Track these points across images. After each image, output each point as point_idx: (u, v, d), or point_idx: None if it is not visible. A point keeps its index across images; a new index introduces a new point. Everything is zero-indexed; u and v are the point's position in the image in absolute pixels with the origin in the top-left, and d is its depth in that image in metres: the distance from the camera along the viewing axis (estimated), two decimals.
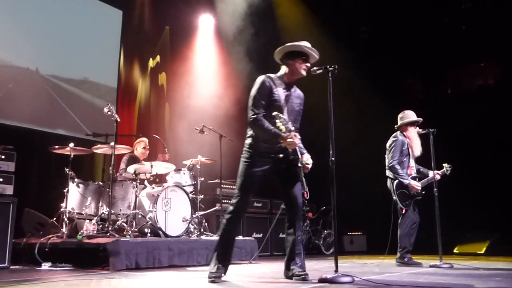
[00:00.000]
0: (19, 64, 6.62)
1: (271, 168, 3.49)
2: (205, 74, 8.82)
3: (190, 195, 5.75)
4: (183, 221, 5.50)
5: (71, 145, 5.19)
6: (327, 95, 3.45)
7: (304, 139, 3.54)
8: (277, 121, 3.29)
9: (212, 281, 3.28)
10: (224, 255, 3.41)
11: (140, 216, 5.27)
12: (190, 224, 5.59)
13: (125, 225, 5.09)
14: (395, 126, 5.46)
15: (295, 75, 3.58)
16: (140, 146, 6.38)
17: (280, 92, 3.49)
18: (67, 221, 4.99)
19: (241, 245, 5.68)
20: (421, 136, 5.30)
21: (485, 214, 7.68)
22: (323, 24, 8.69)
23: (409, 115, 5.39)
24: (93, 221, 5.00)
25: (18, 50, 6.60)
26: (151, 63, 8.80)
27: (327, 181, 3.37)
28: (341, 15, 9.17)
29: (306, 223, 7.83)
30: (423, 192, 5.21)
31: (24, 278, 3.65)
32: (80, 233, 4.84)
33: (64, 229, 4.92)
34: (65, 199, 5.10)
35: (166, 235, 5.19)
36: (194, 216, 5.70)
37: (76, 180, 5.27)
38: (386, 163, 5.38)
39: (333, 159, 3.38)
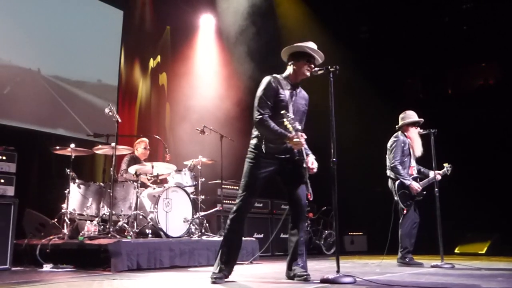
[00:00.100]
0: (20, 64, 6.62)
1: (276, 169, 3.50)
2: (206, 74, 8.83)
3: (191, 196, 5.75)
4: (184, 221, 5.50)
5: (72, 145, 5.18)
6: (328, 95, 3.45)
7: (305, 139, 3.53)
8: (285, 119, 3.30)
9: (214, 282, 3.28)
10: (228, 256, 3.39)
11: (141, 217, 5.27)
12: (191, 225, 5.59)
13: (126, 226, 5.09)
14: (396, 126, 5.47)
15: (299, 75, 3.58)
16: (141, 147, 6.37)
17: (286, 93, 3.50)
18: (68, 222, 4.99)
19: (242, 246, 5.65)
20: (421, 136, 5.31)
21: (486, 214, 7.68)
22: (323, 24, 8.69)
23: (411, 115, 5.40)
24: (94, 222, 5.00)
25: (19, 50, 6.60)
26: (152, 63, 8.81)
27: (328, 181, 3.38)
28: (342, 15, 9.17)
29: (307, 224, 7.83)
30: (424, 193, 5.22)
31: (25, 280, 3.64)
32: (81, 234, 4.83)
33: (65, 230, 4.92)
34: (66, 200, 5.10)
35: (167, 236, 5.19)
36: (195, 216, 5.70)
37: (77, 181, 5.26)
38: (387, 163, 5.38)
39: (334, 159, 3.38)
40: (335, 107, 3.44)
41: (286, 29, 9.02)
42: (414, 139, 5.34)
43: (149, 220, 5.23)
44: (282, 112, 3.32)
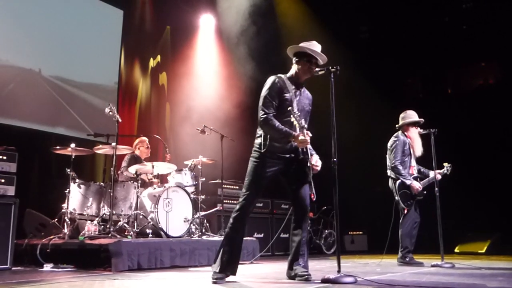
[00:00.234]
0: (20, 64, 6.61)
1: (280, 169, 3.50)
2: (206, 74, 8.83)
3: (192, 196, 5.75)
4: (184, 221, 5.50)
5: (72, 145, 5.18)
6: (328, 95, 3.45)
7: None
8: (291, 116, 3.31)
9: (215, 282, 3.28)
10: (231, 255, 3.38)
11: (141, 216, 5.27)
12: (191, 225, 5.59)
13: (126, 225, 5.09)
14: (396, 125, 5.47)
15: (301, 75, 3.59)
16: (143, 146, 6.37)
17: (290, 92, 3.51)
18: (69, 222, 4.99)
19: (243, 245, 5.66)
20: (422, 136, 5.32)
21: (486, 213, 7.69)
22: (323, 24, 8.69)
23: (411, 115, 5.40)
24: (95, 222, 5.00)
25: (19, 50, 6.60)
26: (152, 63, 8.81)
27: (328, 181, 3.38)
28: (342, 15, 9.17)
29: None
30: (425, 192, 5.22)
31: (26, 280, 3.65)
32: (81, 234, 4.83)
33: (65, 230, 4.92)
34: (66, 200, 5.10)
35: (168, 236, 5.19)
36: (195, 216, 5.71)
37: (77, 180, 5.26)
38: (388, 163, 5.39)
39: (335, 159, 3.38)
40: (335, 107, 3.44)
41: (286, 29, 9.02)
42: (414, 139, 5.34)
43: (150, 220, 5.23)
44: (289, 108, 3.34)
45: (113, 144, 5.26)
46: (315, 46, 3.58)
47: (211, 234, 5.84)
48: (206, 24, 9.34)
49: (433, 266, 4.82)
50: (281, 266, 4.16)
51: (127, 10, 8.29)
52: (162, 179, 6.18)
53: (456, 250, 7.75)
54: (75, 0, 7.61)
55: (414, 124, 5.37)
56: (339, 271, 3.27)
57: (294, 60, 3.63)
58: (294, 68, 3.62)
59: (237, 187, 7.25)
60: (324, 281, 3.25)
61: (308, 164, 3.38)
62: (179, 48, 8.98)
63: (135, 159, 6.14)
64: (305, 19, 9.08)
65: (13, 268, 4.42)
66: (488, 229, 7.77)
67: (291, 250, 3.54)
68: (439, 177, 5.25)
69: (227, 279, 3.38)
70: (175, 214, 5.41)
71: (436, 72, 9.34)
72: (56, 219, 5.10)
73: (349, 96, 8.35)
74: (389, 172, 5.36)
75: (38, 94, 6.80)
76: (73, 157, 5.20)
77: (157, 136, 6.52)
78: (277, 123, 3.40)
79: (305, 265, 3.50)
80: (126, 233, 5.01)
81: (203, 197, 6.07)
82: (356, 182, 8.35)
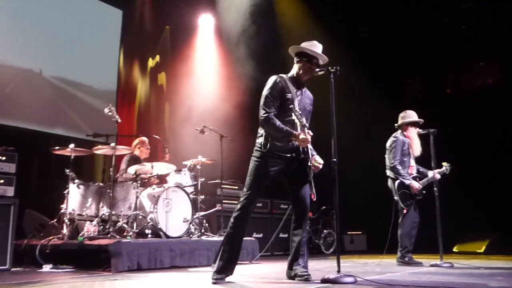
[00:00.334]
0: (19, 64, 6.60)
1: (282, 169, 3.50)
2: (206, 74, 8.82)
3: (191, 196, 5.75)
4: (184, 221, 5.49)
5: (72, 146, 5.17)
6: (328, 95, 3.45)
7: None
8: (293, 114, 3.32)
9: (215, 282, 3.28)
10: (231, 254, 3.38)
11: (140, 217, 5.27)
12: (190, 225, 5.58)
13: (125, 226, 5.08)
14: (396, 124, 5.47)
15: (302, 75, 3.60)
16: (143, 147, 6.35)
17: (292, 92, 3.51)
18: (68, 223, 4.98)
19: (242, 245, 5.66)
20: (421, 136, 5.32)
21: (484, 213, 7.69)
22: (323, 24, 8.68)
23: (411, 115, 5.40)
24: (94, 222, 4.99)
25: (18, 50, 6.59)
26: (151, 62, 8.80)
27: (328, 180, 3.38)
28: (341, 15, 9.16)
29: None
30: (424, 192, 5.23)
31: (26, 280, 3.64)
32: (81, 234, 4.82)
33: (65, 231, 4.91)
34: (65, 201, 5.09)
35: (167, 236, 5.19)
36: (194, 216, 5.70)
37: (76, 181, 5.25)
38: (387, 163, 5.39)
39: (335, 159, 3.38)
40: (335, 107, 3.44)
41: (285, 29, 9.02)
42: (413, 139, 5.34)
43: (149, 220, 5.23)
44: (290, 106, 3.35)
45: (113, 144, 5.25)
46: (316, 46, 3.58)
47: (211, 234, 5.84)
48: (205, 23, 9.34)
49: (432, 265, 4.82)
50: (281, 266, 4.16)
51: (126, 10, 8.29)
52: (162, 179, 6.17)
53: (455, 249, 7.76)
54: (74, 0, 7.60)
55: (414, 124, 5.37)
56: (338, 271, 3.27)
57: (295, 60, 3.63)
58: (295, 68, 3.63)
59: (237, 187, 7.25)
60: (324, 281, 3.25)
61: (309, 164, 3.37)
62: (178, 48, 8.98)
63: (134, 160, 6.13)
64: (304, 18, 9.08)
65: (13, 269, 4.42)
66: (486, 229, 7.78)
67: (291, 250, 3.54)
68: (438, 176, 5.25)
69: (226, 279, 3.37)
70: (175, 215, 5.40)
71: (436, 72, 9.33)
72: (55, 220, 5.09)
73: (349, 96, 8.35)
74: (388, 172, 5.36)
75: (37, 95, 6.79)
76: (72, 157, 5.19)
77: (157, 136, 6.51)
78: (278, 122, 3.40)
79: (305, 265, 3.51)
80: (125, 234, 5.00)
81: (203, 197, 6.06)
82: (355, 182, 8.35)
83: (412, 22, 8.94)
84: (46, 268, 4.47)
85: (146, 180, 5.89)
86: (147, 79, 8.72)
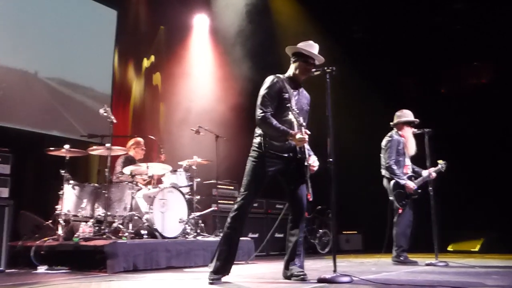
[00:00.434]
0: (13, 65, 6.56)
1: (279, 169, 3.49)
2: (200, 74, 8.80)
3: (186, 196, 5.74)
4: (179, 222, 5.48)
5: (67, 146, 5.15)
6: (324, 95, 3.46)
7: None
8: (290, 113, 3.31)
9: (212, 283, 3.28)
10: (228, 254, 3.37)
11: (136, 217, 5.25)
12: (186, 225, 5.58)
13: (121, 226, 5.06)
14: (391, 123, 5.49)
15: (298, 75, 3.60)
16: (139, 147, 6.33)
17: (289, 92, 3.50)
18: (63, 224, 4.96)
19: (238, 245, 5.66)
20: (416, 136, 5.34)
21: (479, 212, 7.72)
22: (318, 23, 8.69)
23: (407, 115, 5.42)
24: (89, 223, 4.97)
25: (12, 51, 6.54)
26: (146, 63, 8.77)
27: (324, 180, 3.38)
28: (337, 14, 9.16)
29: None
30: (419, 191, 5.24)
31: (21, 282, 3.62)
32: (76, 235, 4.80)
33: (60, 232, 4.89)
34: (60, 201, 5.06)
35: (163, 237, 5.17)
36: (190, 217, 5.69)
37: (71, 182, 5.22)
38: (382, 163, 5.40)
39: (331, 159, 3.39)
40: (331, 107, 3.44)
41: (281, 28, 9.01)
42: (408, 138, 5.36)
43: (145, 220, 5.21)
44: (288, 105, 3.34)
45: (108, 145, 5.23)
46: (312, 47, 3.58)
47: (206, 234, 5.83)
48: (200, 24, 9.32)
49: (427, 265, 4.85)
50: (277, 266, 4.17)
51: (121, 10, 8.25)
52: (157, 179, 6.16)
53: (449, 248, 7.80)
54: (69, 1, 7.56)
55: (409, 123, 5.39)
56: (335, 271, 3.27)
57: (292, 60, 3.63)
58: (292, 68, 3.63)
59: (232, 188, 7.25)
60: (320, 280, 3.26)
61: (306, 164, 3.38)
62: (173, 48, 8.95)
63: (129, 161, 6.11)
64: (299, 17, 9.08)
65: (7, 271, 4.39)
66: (481, 227, 7.82)
67: (287, 250, 3.54)
68: (434, 175, 5.27)
69: (223, 279, 3.37)
70: (170, 215, 5.39)
71: (432, 71, 9.36)
72: (50, 221, 5.06)
73: (344, 96, 8.36)
74: (383, 172, 5.37)
75: (32, 95, 6.75)
76: (67, 158, 5.17)
77: (152, 137, 6.49)
78: (274, 122, 3.39)
79: (301, 265, 3.51)
80: (120, 234, 4.98)
81: (198, 197, 6.06)
82: (351, 181, 8.35)
83: (408, 22, 8.96)
84: (41, 269, 4.44)
85: (143, 182, 5.89)
86: (142, 79, 8.69)
